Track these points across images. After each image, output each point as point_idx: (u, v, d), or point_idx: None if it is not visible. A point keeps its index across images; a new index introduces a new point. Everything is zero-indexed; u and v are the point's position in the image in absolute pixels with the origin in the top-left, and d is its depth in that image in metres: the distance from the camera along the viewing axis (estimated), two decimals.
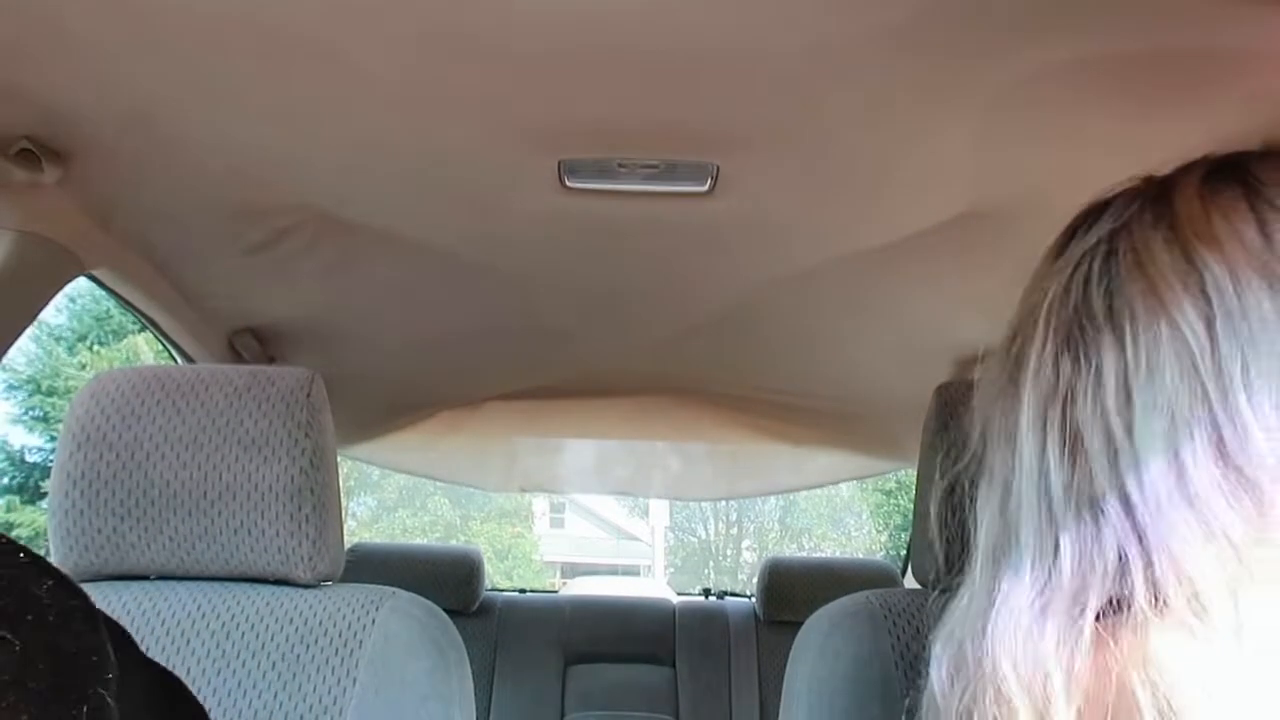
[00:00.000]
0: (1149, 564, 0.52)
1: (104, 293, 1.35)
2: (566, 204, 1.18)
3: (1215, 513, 0.51)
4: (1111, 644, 0.53)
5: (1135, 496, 0.54)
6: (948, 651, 0.61)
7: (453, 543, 12.21)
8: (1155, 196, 0.60)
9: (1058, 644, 0.54)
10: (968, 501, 0.69)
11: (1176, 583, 0.51)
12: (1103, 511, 0.55)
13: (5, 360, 1.09)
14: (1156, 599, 0.52)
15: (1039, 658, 0.54)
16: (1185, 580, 0.51)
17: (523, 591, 2.70)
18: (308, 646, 0.90)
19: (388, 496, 15.48)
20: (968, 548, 0.66)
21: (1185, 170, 0.61)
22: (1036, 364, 0.60)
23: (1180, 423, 0.53)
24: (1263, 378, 0.52)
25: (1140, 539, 0.53)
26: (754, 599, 2.47)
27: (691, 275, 1.46)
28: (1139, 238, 0.58)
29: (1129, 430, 0.55)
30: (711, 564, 17.46)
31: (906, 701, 0.69)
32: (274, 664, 0.89)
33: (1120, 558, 0.53)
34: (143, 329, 1.54)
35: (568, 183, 1.12)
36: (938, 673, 0.61)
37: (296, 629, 0.91)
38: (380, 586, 0.97)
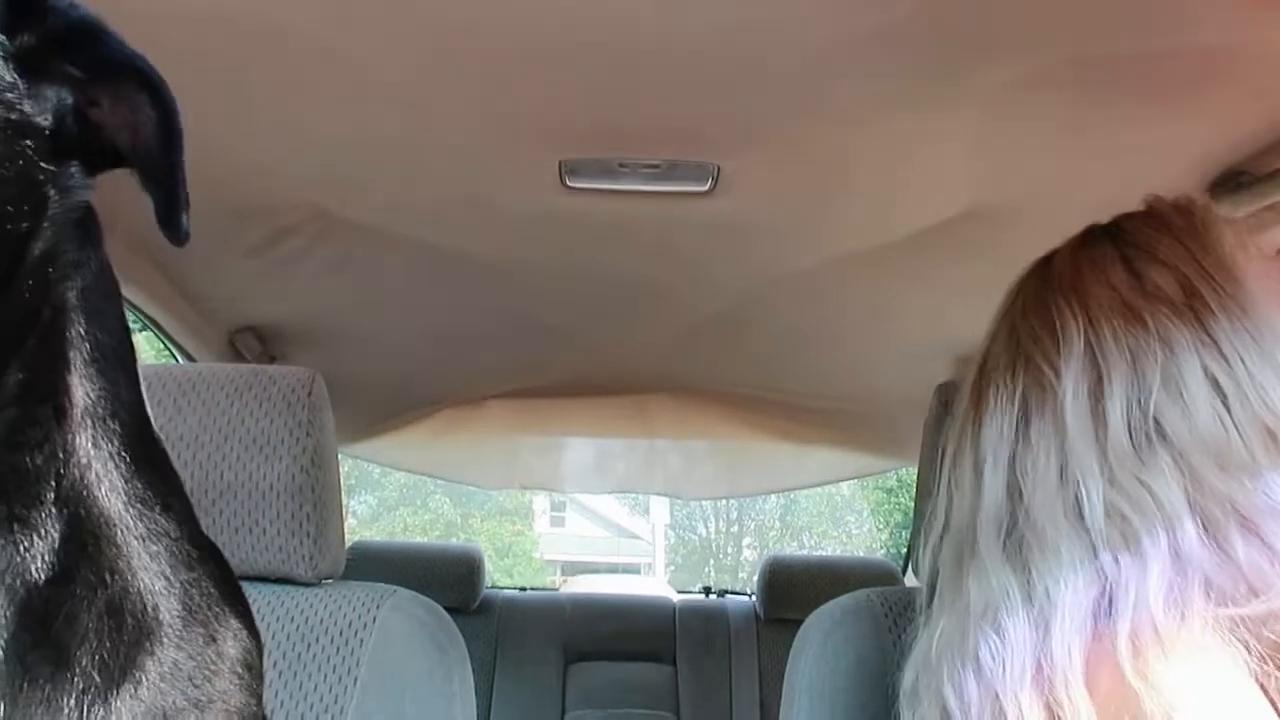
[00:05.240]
0: (1045, 593, 0.58)
1: None
2: (567, 204, 1.18)
3: (1100, 532, 0.57)
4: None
5: (1029, 535, 0.60)
6: (908, 676, 0.68)
7: (453, 541, 12.22)
8: (1043, 262, 0.71)
9: (984, 670, 0.59)
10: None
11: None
12: (1003, 550, 0.62)
13: None
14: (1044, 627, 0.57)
15: (983, 684, 0.59)
16: (1061, 609, 0.57)
17: (523, 589, 2.70)
18: (309, 645, 0.91)
19: (388, 495, 15.46)
20: None
21: (1072, 238, 0.71)
22: (962, 424, 0.69)
23: (1052, 458, 0.61)
24: (1115, 399, 0.60)
25: (1031, 571, 0.59)
26: (754, 597, 2.47)
27: (692, 274, 1.46)
28: (1025, 300, 0.69)
29: (1021, 471, 0.62)
30: (712, 562, 17.44)
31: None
32: (275, 662, 0.90)
33: (1011, 591, 0.60)
34: (143, 328, 1.53)
35: (569, 182, 1.12)
36: (903, 696, 0.68)
37: (297, 627, 0.91)
38: (381, 585, 0.97)
